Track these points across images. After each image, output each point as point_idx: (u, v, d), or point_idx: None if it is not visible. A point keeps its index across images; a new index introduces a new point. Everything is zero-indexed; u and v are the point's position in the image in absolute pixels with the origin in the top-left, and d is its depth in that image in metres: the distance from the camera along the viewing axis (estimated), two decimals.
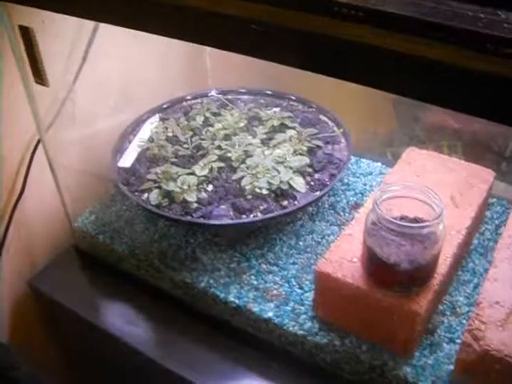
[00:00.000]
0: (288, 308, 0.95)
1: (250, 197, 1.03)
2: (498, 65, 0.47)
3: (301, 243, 1.06)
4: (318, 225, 1.10)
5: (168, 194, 1.05)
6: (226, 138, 1.17)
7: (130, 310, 1.07)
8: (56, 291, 1.13)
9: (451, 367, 0.83)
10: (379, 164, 1.25)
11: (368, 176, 1.21)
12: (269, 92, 1.35)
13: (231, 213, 1.02)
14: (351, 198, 1.15)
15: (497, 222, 1.07)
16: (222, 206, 1.03)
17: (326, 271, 0.86)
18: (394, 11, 0.50)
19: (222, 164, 1.10)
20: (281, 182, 1.04)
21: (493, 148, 1.25)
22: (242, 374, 0.95)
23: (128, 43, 1.12)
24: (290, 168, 1.07)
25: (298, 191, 1.05)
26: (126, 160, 1.16)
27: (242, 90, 1.37)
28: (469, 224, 0.93)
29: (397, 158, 1.10)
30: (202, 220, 1.01)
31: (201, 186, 1.07)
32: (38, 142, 1.11)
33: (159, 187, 1.06)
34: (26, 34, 0.95)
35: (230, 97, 1.35)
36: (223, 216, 1.01)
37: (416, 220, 0.84)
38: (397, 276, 0.80)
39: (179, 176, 1.07)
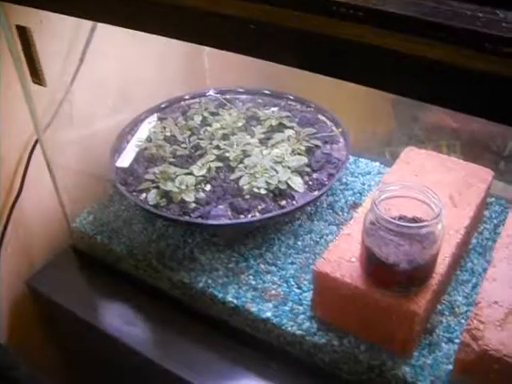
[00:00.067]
0: (286, 308, 0.95)
1: (248, 197, 1.03)
2: (496, 64, 0.47)
3: (299, 243, 1.06)
4: (316, 224, 1.10)
5: (166, 194, 1.05)
6: (224, 137, 1.17)
7: (129, 310, 1.07)
8: (54, 291, 1.13)
9: (450, 367, 0.83)
10: (378, 164, 1.25)
11: (366, 176, 1.21)
12: (267, 92, 1.35)
13: (229, 213, 1.02)
14: (350, 198, 1.15)
15: (495, 221, 1.07)
16: (220, 206, 1.03)
17: (325, 271, 0.86)
18: (395, 11, 0.50)
19: (220, 164, 1.10)
20: (279, 181, 1.04)
21: (491, 147, 1.25)
22: (241, 374, 0.95)
23: (126, 43, 1.12)
24: (288, 168, 1.07)
25: (296, 191, 1.05)
26: (124, 160, 1.16)
27: (240, 90, 1.36)
28: (467, 223, 0.93)
29: (395, 157, 1.10)
30: (200, 220, 1.01)
31: (199, 186, 1.06)
32: (36, 142, 1.11)
33: (157, 187, 1.06)
34: (24, 33, 0.95)
35: (228, 96, 1.35)
36: (221, 216, 1.01)
37: (414, 220, 0.84)
38: (395, 276, 0.80)
39: (177, 176, 1.06)
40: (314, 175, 1.09)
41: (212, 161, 1.10)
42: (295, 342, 0.92)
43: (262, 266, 1.02)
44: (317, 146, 1.15)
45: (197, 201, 1.03)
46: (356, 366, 0.88)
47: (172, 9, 0.64)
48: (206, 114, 1.25)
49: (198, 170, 1.08)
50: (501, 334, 0.75)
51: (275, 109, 1.28)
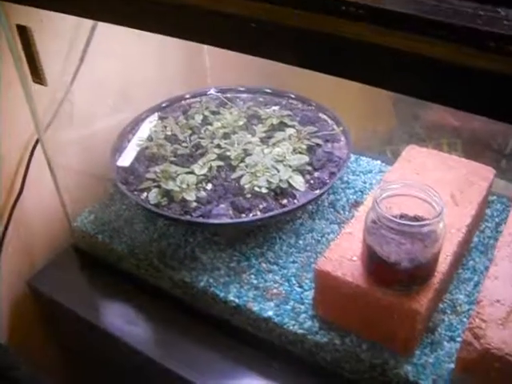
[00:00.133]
0: (288, 307, 0.95)
1: (249, 196, 1.03)
2: (498, 62, 0.47)
3: (300, 242, 1.06)
4: (317, 223, 1.09)
5: (167, 193, 1.05)
6: (225, 136, 1.17)
7: (130, 310, 1.07)
8: (55, 291, 1.13)
9: (452, 366, 0.83)
10: (379, 162, 1.24)
11: (368, 174, 1.21)
12: (268, 90, 1.35)
13: (230, 212, 1.02)
14: (351, 197, 1.15)
15: (497, 219, 1.07)
16: (222, 205, 1.03)
17: (326, 270, 0.86)
18: (395, 9, 0.49)
19: (221, 163, 1.10)
20: (280, 180, 1.04)
21: (492, 146, 1.25)
22: (242, 374, 0.95)
23: (127, 42, 1.12)
24: (290, 166, 1.07)
25: (297, 190, 1.04)
26: (125, 159, 1.16)
27: (241, 89, 1.36)
28: (469, 222, 0.93)
29: (396, 155, 1.10)
30: (201, 219, 1.01)
31: (200, 185, 1.06)
32: (37, 141, 1.11)
33: (158, 186, 1.06)
34: (24, 33, 0.95)
35: (229, 95, 1.35)
36: (222, 215, 1.01)
37: (416, 218, 0.84)
38: (397, 274, 0.80)
39: (178, 175, 1.06)
40: (316, 174, 1.09)
41: (213, 160, 1.10)
42: (297, 341, 0.92)
43: (264, 265, 1.02)
44: (318, 145, 1.15)
45: (198, 200, 1.03)
46: (358, 365, 0.88)
47: (173, 7, 0.64)
48: (206, 113, 1.25)
49: (199, 169, 1.08)
50: (503, 332, 0.75)
51: (276, 107, 1.28)
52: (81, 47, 1.08)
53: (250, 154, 1.10)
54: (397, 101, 1.34)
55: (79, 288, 1.14)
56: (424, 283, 0.82)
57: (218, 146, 1.13)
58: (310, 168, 1.09)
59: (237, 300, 0.97)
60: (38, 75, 0.99)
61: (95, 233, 1.14)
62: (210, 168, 1.08)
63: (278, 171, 1.06)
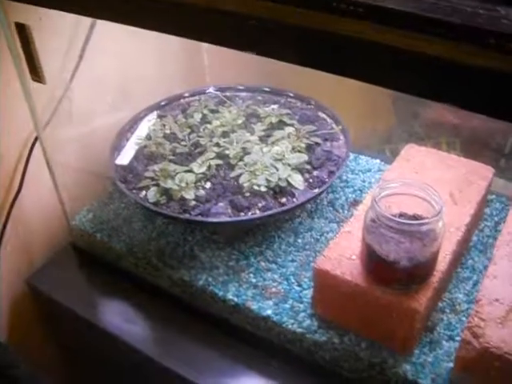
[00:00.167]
0: (287, 306, 0.95)
1: (248, 194, 1.03)
2: (497, 60, 0.46)
3: (299, 241, 1.06)
4: (316, 222, 1.09)
5: (166, 192, 1.04)
6: (224, 135, 1.16)
7: (129, 308, 1.07)
8: (54, 289, 1.13)
9: (451, 365, 0.83)
10: (378, 161, 1.24)
11: (367, 173, 1.21)
12: (267, 89, 1.35)
13: (229, 210, 1.01)
14: (350, 195, 1.15)
15: (496, 218, 1.07)
16: (220, 204, 1.03)
17: (325, 268, 0.86)
18: (394, 7, 0.49)
19: (219, 161, 1.09)
20: (279, 179, 1.04)
21: (491, 145, 1.25)
22: (241, 372, 0.95)
23: (125, 40, 1.12)
24: (289, 165, 1.07)
25: (296, 188, 1.04)
26: (124, 157, 1.16)
27: (240, 87, 1.36)
28: (468, 221, 0.93)
29: (395, 154, 1.10)
30: (200, 218, 1.00)
31: (199, 184, 1.06)
32: (36, 139, 1.11)
33: (157, 185, 1.06)
34: (23, 31, 0.94)
35: (227, 94, 1.34)
36: (221, 214, 1.01)
37: (415, 217, 0.84)
38: (396, 273, 0.80)
39: (177, 173, 1.06)
40: (315, 173, 1.09)
41: (212, 158, 1.10)
42: (296, 340, 0.92)
43: (263, 263, 1.02)
44: (317, 144, 1.15)
45: (197, 198, 1.03)
46: (357, 364, 0.88)
47: (171, 5, 0.64)
48: (205, 112, 1.25)
49: (198, 167, 1.08)
50: (502, 331, 0.75)
51: (275, 106, 1.28)
52: (79, 45, 1.07)
53: (249, 153, 1.10)
54: (396, 99, 1.34)
55: (78, 286, 1.14)
56: (423, 282, 0.82)
57: (217, 145, 1.13)
58: (309, 167, 1.09)
59: (236, 299, 0.97)
60: (36, 73, 0.99)
61: (94, 231, 1.14)
62: (209, 167, 1.08)
63: (277, 170, 1.05)
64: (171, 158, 1.12)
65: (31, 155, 1.12)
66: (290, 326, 0.92)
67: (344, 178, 1.19)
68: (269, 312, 0.94)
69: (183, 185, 1.04)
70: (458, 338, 0.86)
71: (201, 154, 1.12)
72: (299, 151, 1.11)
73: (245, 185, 1.04)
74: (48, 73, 1.00)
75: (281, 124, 1.20)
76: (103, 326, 1.05)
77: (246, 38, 0.61)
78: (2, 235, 1.12)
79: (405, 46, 0.50)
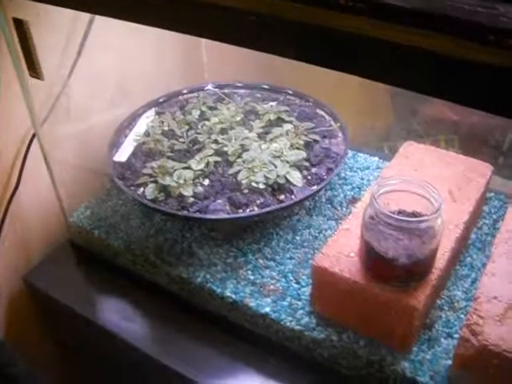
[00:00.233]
0: (285, 303, 0.95)
1: (246, 191, 1.03)
2: (497, 56, 0.46)
3: (298, 238, 1.06)
4: (315, 219, 1.09)
5: (164, 189, 1.04)
6: (223, 132, 1.16)
7: (126, 306, 1.07)
8: (51, 286, 1.13)
9: (449, 362, 0.83)
10: (376, 158, 1.24)
11: (365, 170, 1.21)
12: (265, 86, 1.35)
13: (228, 207, 1.01)
14: (348, 193, 1.14)
15: (495, 216, 1.07)
16: (219, 201, 1.02)
17: (324, 266, 0.86)
18: (394, 3, 0.49)
19: (218, 158, 1.09)
20: (277, 176, 1.04)
21: (490, 142, 1.25)
22: (239, 370, 0.95)
23: (124, 37, 1.12)
24: (287, 162, 1.07)
25: (294, 185, 1.04)
26: (122, 154, 1.16)
27: (239, 84, 1.36)
28: (467, 218, 0.93)
29: (394, 152, 1.10)
30: (198, 214, 1.00)
31: (197, 181, 1.06)
32: (33, 136, 1.11)
33: (155, 181, 1.06)
34: (21, 26, 0.94)
35: (226, 91, 1.34)
36: (219, 210, 1.00)
37: (414, 214, 0.84)
38: (395, 271, 0.80)
39: (175, 170, 1.06)
40: (313, 170, 1.09)
41: (210, 155, 1.09)
42: (294, 337, 0.92)
43: (261, 260, 1.02)
44: (315, 141, 1.15)
45: (195, 195, 1.03)
46: (355, 361, 0.88)
47: (170, 0, 0.64)
48: (204, 109, 1.25)
49: (197, 164, 1.08)
50: (500, 329, 0.75)
51: (274, 103, 1.27)
52: (78, 41, 1.07)
53: (248, 150, 1.10)
54: (394, 97, 1.34)
55: (75, 284, 1.13)
56: (422, 279, 0.82)
57: (216, 142, 1.13)
58: (307, 164, 1.09)
59: (234, 296, 0.97)
60: (34, 69, 0.98)
61: (91, 228, 1.14)
62: (207, 163, 1.08)
63: (276, 167, 1.05)
64: (169, 154, 1.12)
65: (29, 152, 1.11)
66: (288, 324, 0.92)
67: (342, 175, 1.19)
68: (267, 309, 0.94)
69: (181, 182, 1.04)
70: (456, 336, 0.86)
71: (199, 150, 1.12)
72: (297, 148, 1.11)
73: (243, 182, 1.04)
74: (46, 69, 0.99)
75: (279, 121, 1.19)
76: (101, 323, 1.05)
77: (245, 33, 0.60)
78: (0, 232, 1.12)
79: (404, 42, 0.50)
